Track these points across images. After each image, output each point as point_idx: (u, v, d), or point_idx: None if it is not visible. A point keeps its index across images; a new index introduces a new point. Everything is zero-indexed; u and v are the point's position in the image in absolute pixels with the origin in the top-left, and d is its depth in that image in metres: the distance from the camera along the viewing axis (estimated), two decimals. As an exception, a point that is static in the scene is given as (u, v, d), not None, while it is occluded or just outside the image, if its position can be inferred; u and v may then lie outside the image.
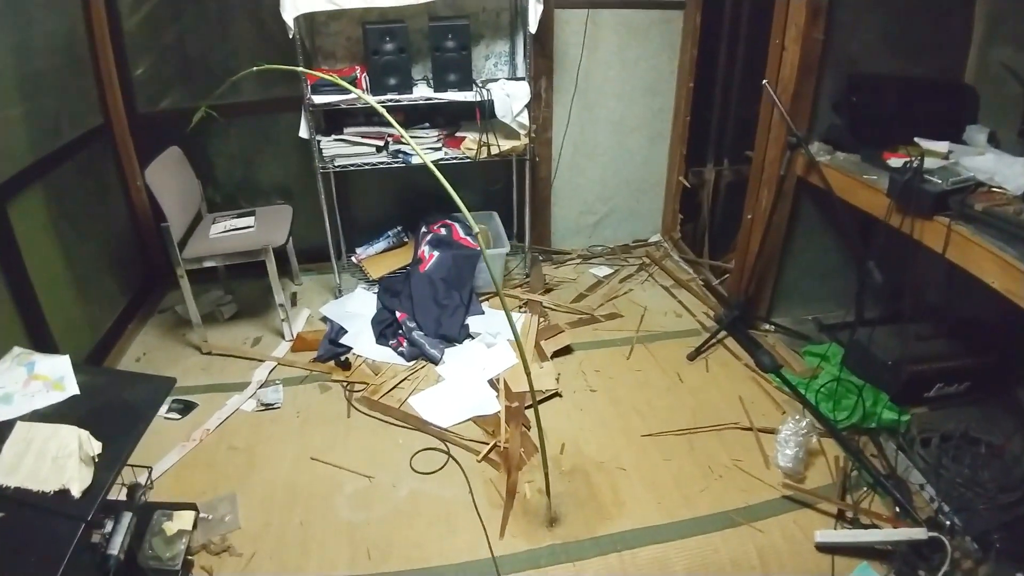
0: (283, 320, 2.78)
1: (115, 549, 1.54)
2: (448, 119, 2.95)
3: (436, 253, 2.91)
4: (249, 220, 2.78)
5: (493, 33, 2.92)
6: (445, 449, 2.25)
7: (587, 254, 3.49)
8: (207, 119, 2.41)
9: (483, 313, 2.90)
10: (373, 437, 2.32)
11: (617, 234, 3.54)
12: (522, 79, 2.78)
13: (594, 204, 3.43)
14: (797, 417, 2.11)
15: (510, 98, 2.70)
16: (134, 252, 2.97)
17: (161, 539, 1.83)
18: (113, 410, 1.58)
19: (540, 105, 3.10)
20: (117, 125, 2.74)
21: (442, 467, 2.19)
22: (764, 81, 2.30)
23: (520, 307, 2.98)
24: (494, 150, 2.81)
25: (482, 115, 2.75)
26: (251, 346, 2.80)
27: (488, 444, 2.25)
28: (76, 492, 1.37)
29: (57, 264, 2.41)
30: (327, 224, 2.92)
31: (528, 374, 1.79)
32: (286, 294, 3.16)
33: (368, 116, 2.82)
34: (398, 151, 2.79)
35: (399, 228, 3.24)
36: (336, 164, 2.79)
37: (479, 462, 2.20)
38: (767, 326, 2.75)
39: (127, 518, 1.61)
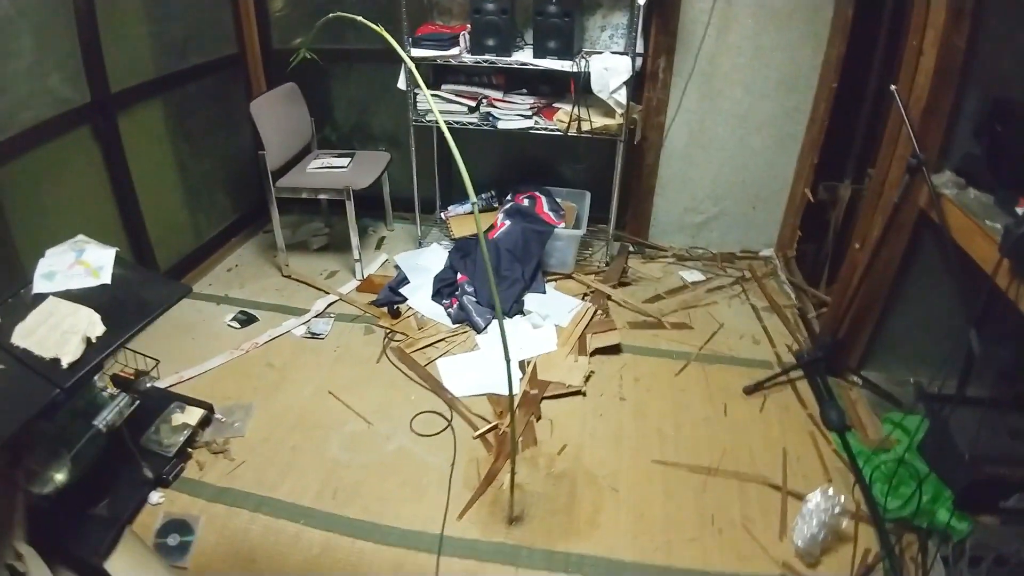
0: (356, 260, 2.92)
1: (100, 422, 1.75)
2: (555, 88, 2.83)
3: (508, 223, 2.84)
4: (345, 161, 2.94)
5: (613, 3, 2.71)
6: (448, 417, 2.23)
7: (684, 255, 3.19)
8: (307, 62, 2.60)
9: (544, 292, 2.80)
10: (390, 387, 2.37)
11: (724, 239, 3.18)
12: (624, 54, 2.56)
13: (703, 202, 3.11)
14: (830, 492, 1.77)
15: (608, 72, 2.51)
16: (252, 175, 3.28)
17: (168, 426, 2.05)
18: (129, 303, 1.76)
19: (656, 86, 2.85)
20: (251, 56, 3.02)
21: (438, 433, 2.17)
22: (893, 87, 1.89)
23: (584, 295, 2.83)
24: (586, 126, 2.65)
25: (577, 87, 2.60)
26: (325, 278, 2.99)
27: (491, 423, 2.19)
28: (64, 363, 1.56)
29: (167, 174, 2.75)
30: (414, 175, 2.98)
31: (509, 378, 1.68)
32: (375, 237, 3.33)
33: (468, 75, 2.80)
34: (488, 114, 2.75)
35: (492, 193, 3.21)
36: (428, 119, 2.83)
37: (474, 439, 2.15)
38: (854, 378, 2.32)
39: (120, 398, 1.81)
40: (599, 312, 2.69)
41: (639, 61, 2.72)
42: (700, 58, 2.74)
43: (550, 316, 2.64)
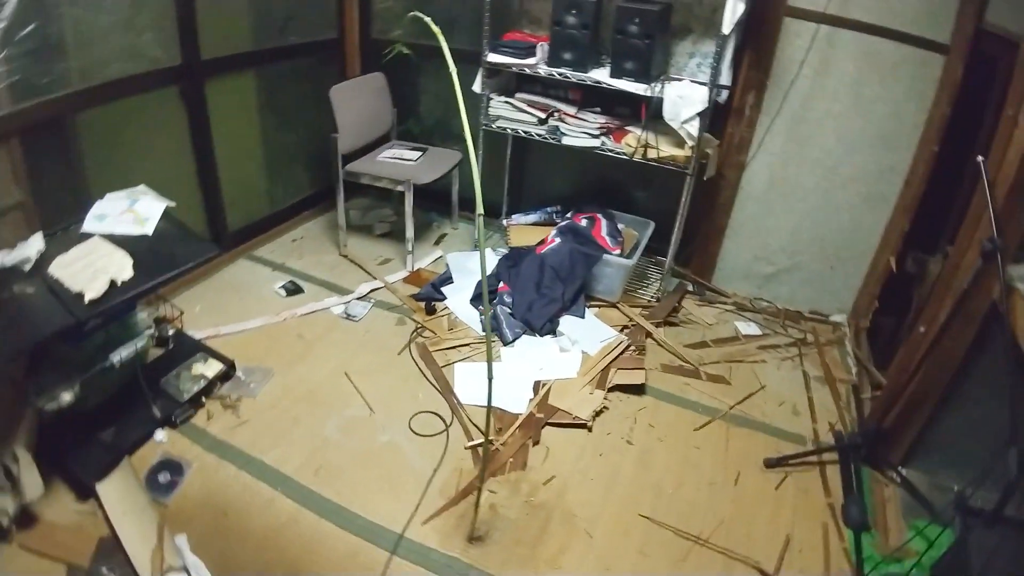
0: (409, 252, 2.98)
1: (115, 358, 1.90)
2: (633, 111, 2.74)
3: (558, 240, 2.78)
4: (416, 155, 3.01)
5: (704, 30, 2.57)
6: (447, 422, 2.22)
7: (745, 305, 2.97)
8: (401, 56, 2.67)
9: (583, 317, 2.71)
10: (403, 380, 2.39)
11: (793, 296, 2.93)
12: (703, 84, 2.42)
13: (776, 253, 2.88)
14: (817, 593, 1.58)
15: (682, 101, 2.38)
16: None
17: (188, 374, 2.19)
18: (161, 255, 1.90)
19: (740, 122, 2.67)
20: (348, 43, 3.17)
21: (433, 435, 2.17)
22: (980, 158, 1.65)
23: (625, 327, 2.71)
24: (652, 154, 2.54)
25: (648, 112, 2.50)
26: (378, 264, 3.07)
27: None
28: (86, 299, 1.71)
29: (250, 142, 2.94)
30: (476, 179, 2.97)
31: (490, 397, 1.64)
32: (437, 233, 3.38)
33: (546, 87, 2.77)
34: (556, 128, 2.71)
35: (558, 207, 3.16)
36: (496, 125, 2.82)
37: (466, 448, 2.12)
38: (893, 474, 2.05)
39: (140, 339, 1.96)
40: (632, 348, 2.57)
41: (724, 94, 2.58)
42: (791, 98, 2.54)
43: (580, 342, 2.56)
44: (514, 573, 1.74)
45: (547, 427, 2.23)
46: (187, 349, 2.29)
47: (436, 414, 2.25)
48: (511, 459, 2.10)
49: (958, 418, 1.92)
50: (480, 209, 1.49)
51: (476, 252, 3.14)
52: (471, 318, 2.71)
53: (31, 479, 1.69)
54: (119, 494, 1.85)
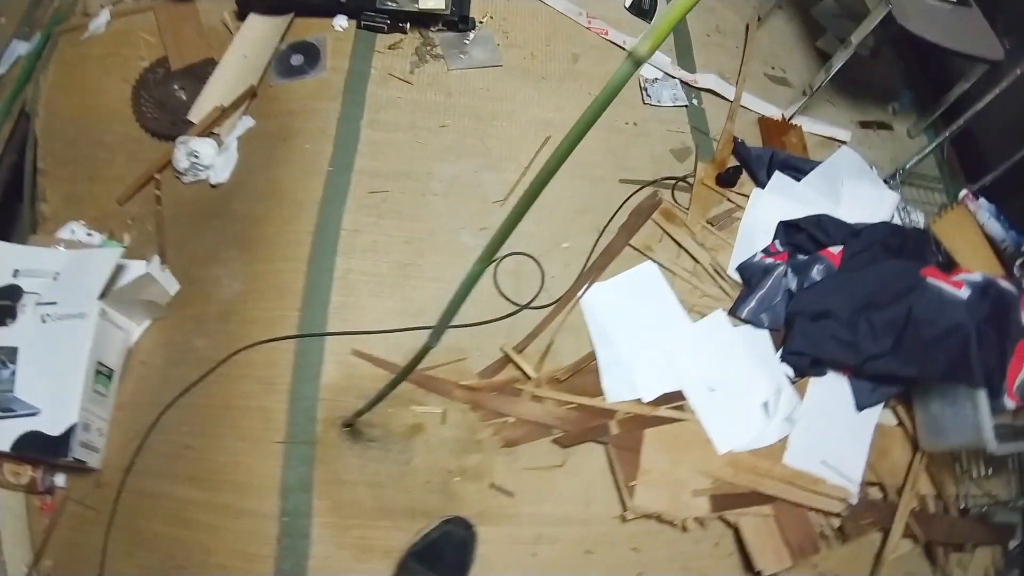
0: (804, 96, 1.78)
1: None
2: None
3: (969, 293, 1.36)
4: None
5: None
6: (533, 301, 1.46)
7: None
8: None
9: (858, 409, 1.45)
10: (584, 204, 1.60)
11: None
12: None
13: None
14: None
15: None
16: None
17: (412, -18, 1.68)
18: None
19: None
20: None
21: (500, 296, 1.46)
22: None
23: (876, 484, 1.41)
24: None
25: None
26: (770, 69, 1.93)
27: (522, 374, 1.39)
28: None
29: None
30: None
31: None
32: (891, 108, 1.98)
33: None
34: None
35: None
36: None
37: (500, 349, 1.41)
38: None
39: None
40: (839, 524, 1.35)
41: None
42: None
43: (796, 426, 1.41)
44: (318, 503, 1.22)
45: (599, 445, 1.37)
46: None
47: (541, 273, 1.50)
48: (517, 419, 1.36)
49: None
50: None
51: (878, 180, 1.77)
52: (749, 240, 1.63)
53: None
54: (257, 38, 1.66)
